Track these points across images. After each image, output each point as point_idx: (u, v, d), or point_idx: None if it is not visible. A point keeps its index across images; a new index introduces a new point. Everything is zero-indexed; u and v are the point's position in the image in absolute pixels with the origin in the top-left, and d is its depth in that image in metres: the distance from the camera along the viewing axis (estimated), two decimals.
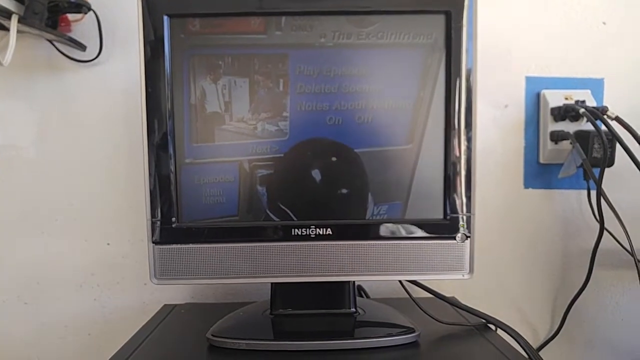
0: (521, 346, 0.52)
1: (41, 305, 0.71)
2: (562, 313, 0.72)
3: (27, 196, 0.70)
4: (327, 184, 0.51)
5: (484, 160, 0.74)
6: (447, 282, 0.68)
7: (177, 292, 0.72)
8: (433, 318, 0.54)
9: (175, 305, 0.65)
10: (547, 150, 0.71)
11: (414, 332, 0.49)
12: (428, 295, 0.58)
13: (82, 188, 0.71)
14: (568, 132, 0.68)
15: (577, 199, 0.74)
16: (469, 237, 0.51)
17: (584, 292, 0.70)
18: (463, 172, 0.50)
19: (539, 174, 0.74)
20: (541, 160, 0.73)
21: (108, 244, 0.71)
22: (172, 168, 0.50)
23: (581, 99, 0.69)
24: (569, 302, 0.71)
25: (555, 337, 0.72)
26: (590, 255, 0.69)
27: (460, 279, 0.51)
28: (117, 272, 0.72)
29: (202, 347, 0.49)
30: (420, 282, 0.58)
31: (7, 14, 0.57)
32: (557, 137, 0.70)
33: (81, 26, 0.69)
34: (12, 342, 0.71)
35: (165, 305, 0.66)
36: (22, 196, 0.70)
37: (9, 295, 0.70)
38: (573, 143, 0.66)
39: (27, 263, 0.70)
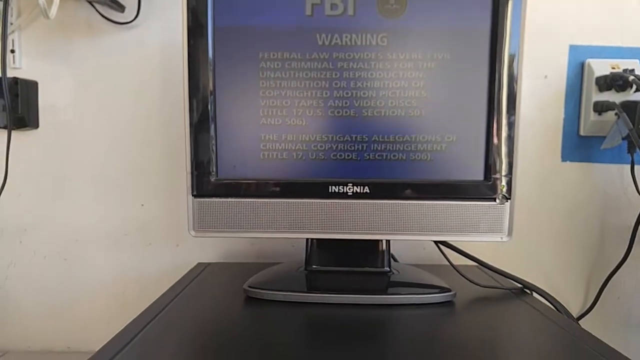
0: (558, 310, 0.51)
1: (79, 262, 0.73)
2: (597, 289, 0.71)
3: (65, 157, 0.72)
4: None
5: (520, 132, 0.72)
6: (478, 252, 0.67)
7: (209, 253, 0.73)
8: (469, 280, 0.53)
9: (209, 263, 0.66)
10: (589, 121, 0.69)
11: (449, 291, 0.49)
12: (462, 263, 0.58)
13: (118, 150, 0.72)
14: (614, 102, 0.66)
15: (618, 173, 0.71)
16: (509, 199, 0.50)
17: (621, 268, 0.68)
18: (505, 133, 0.49)
19: (578, 146, 0.72)
20: (581, 133, 0.71)
21: (142, 205, 0.73)
22: (213, 123, 0.50)
23: (629, 68, 0.67)
24: (605, 278, 0.70)
25: (588, 312, 0.71)
26: (630, 232, 0.67)
27: (498, 243, 0.50)
28: (150, 233, 0.73)
29: (239, 299, 0.50)
30: (455, 246, 0.58)
31: None
32: (601, 107, 0.67)
33: None
34: (52, 296, 0.73)
35: (199, 263, 0.67)
36: (61, 157, 0.72)
37: (49, 252, 0.73)
38: (619, 113, 0.64)
39: (66, 222, 0.73)
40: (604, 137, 0.68)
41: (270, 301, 0.48)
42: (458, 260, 0.58)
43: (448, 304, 0.49)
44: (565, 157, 0.72)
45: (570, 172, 0.72)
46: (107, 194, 0.73)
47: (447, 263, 0.55)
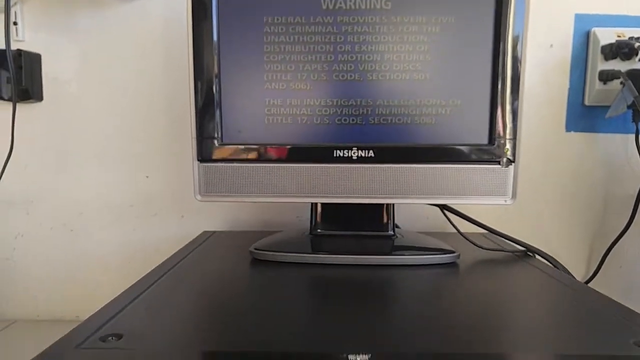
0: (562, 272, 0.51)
1: (85, 233, 0.74)
2: (599, 258, 0.71)
3: (70, 130, 0.72)
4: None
5: (524, 102, 0.72)
6: (482, 221, 0.67)
7: (215, 224, 0.74)
8: (472, 243, 0.54)
9: (214, 232, 0.67)
10: (594, 90, 0.69)
11: (453, 252, 0.50)
12: (465, 231, 0.58)
13: (123, 122, 0.72)
14: (619, 71, 0.65)
15: (622, 143, 0.71)
16: (513, 162, 0.50)
17: (624, 237, 0.69)
18: (509, 97, 0.49)
19: (583, 116, 0.72)
20: (586, 102, 0.71)
21: (147, 176, 0.73)
22: (217, 89, 0.50)
23: (635, 36, 0.66)
24: (607, 246, 0.70)
25: (591, 280, 0.71)
26: (633, 201, 0.67)
27: (501, 212, 0.51)
28: (155, 204, 0.74)
29: (245, 261, 0.51)
30: (459, 211, 0.58)
31: None
32: (606, 76, 0.67)
33: None
34: (59, 266, 0.74)
35: (205, 231, 0.68)
36: (65, 130, 0.72)
37: (55, 223, 0.74)
38: (624, 81, 0.64)
39: (71, 194, 0.73)
40: (609, 107, 0.68)
41: (276, 263, 0.49)
42: (462, 228, 0.58)
43: (452, 265, 0.49)
44: (569, 127, 0.72)
45: (575, 142, 0.72)
46: (112, 166, 0.73)
47: (451, 231, 0.55)
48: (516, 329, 0.33)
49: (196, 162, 0.51)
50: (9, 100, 0.68)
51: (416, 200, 0.51)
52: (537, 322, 0.34)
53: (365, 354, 0.27)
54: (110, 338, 0.30)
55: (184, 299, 0.38)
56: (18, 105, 0.70)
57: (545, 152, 0.72)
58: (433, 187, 0.50)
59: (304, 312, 0.35)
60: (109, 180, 0.73)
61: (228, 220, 0.74)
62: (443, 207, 0.56)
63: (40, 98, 0.72)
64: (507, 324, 0.34)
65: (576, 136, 0.72)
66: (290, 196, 0.51)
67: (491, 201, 0.51)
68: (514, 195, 0.51)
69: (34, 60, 0.71)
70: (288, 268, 0.48)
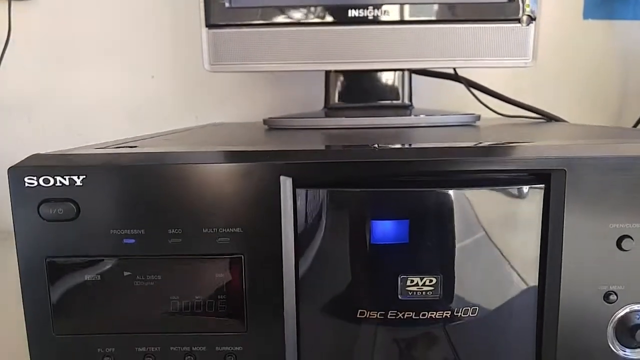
0: None
1: (92, 136, 0.73)
2: None
3: (73, 28, 0.70)
4: None
5: None
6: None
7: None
8: (491, 110, 0.53)
9: (223, 122, 0.65)
10: None
11: (472, 114, 0.49)
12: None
13: (127, 20, 0.69)
14: None
15: None
16: (534, 19, 0.48)
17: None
18: None
19: (602, 2, 0.69)
20: None
21: (152, 76, 0.71)
22: None
23: None
24: None
25: None
26: None
27: (522, 68, 0.49)
28: (166, 105, 0.72)
29: (259, 129, 0.49)
30: (477, 82, 0.57)
31: None
32: None
33: None
34: None
35: (215, 122, 0.66)
36: (69, 28, 0.70)
37: (60, 126, 0.72)
38: None
39: (75, 95, 0.72)
40: None
41: (291, 129, 0.48)
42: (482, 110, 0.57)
43: (471, 127, 0.48)
44: (587, 14, 0.69)
45: (592, 30, 0.69)
46: (117, 66, 0.71)
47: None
48: None
49: (204, 29, 0.49)
50: None
51: (434, 63, 0.49)
52: None
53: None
54: None
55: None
56: (16, 3, 0.67)
57: (560, 41, 0.69)
58: (451, 49, 0.48)
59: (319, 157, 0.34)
60: (115, 80, 0.71)
61: (242, 118, 0.72)
62: (467, 82, 0.55)
63: None
64: None
65: (594, 24, 0.69)
66: (304, 63, 0.49)
67: (511, 63, 0.49)
68: (534, 57, 0.49)
69: None
70: (303, 132, 0.46)
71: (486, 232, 0.27)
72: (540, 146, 0.28)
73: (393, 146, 0.28)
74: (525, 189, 0.27)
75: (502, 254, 0.27)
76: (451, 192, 0.26)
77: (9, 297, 0.38)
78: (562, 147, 0.26)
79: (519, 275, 0.27)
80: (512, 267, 0.27)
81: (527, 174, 0.27)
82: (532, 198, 0.27)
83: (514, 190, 0.27)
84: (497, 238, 0.27)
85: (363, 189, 0.26)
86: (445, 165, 0.26)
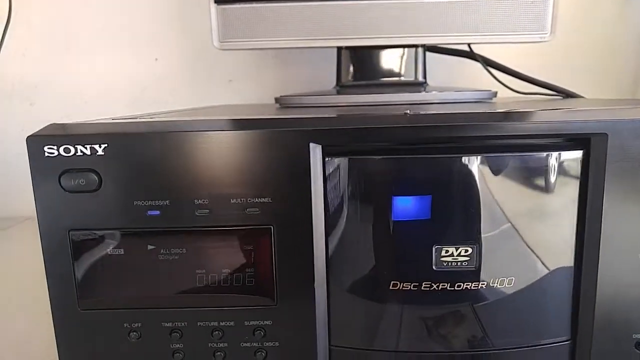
0: None
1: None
2: None
3: (73, 11, 0.68)
4: None
5: None
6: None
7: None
8: (508, 87, 0.52)
9: (232, 104, 0.64)
10: None
11: (489, 90, 0.48)
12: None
13: (130, 1, 0.68)
14: None
15: None
16: None
17: None
18: None
19: None
20: None
21: (156, 59, 0.70)
22: None
23: None
24: None
25: None
26: None
27: (540, 43, 0.48)
28: (170, 90, 0.70)
29: (271, 108, 0.48)
30: (493, 60, 0.56)
31: None
32: None
33: None
34: None
35: (225, 105, 0.65)
36: (68, 11, 0.68)
37: (62, 111, 0.71)
38: None
39: (77, 80, 0.70)
40: None
41: (304, 107, 0.47)
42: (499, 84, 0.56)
43: (488, 103, 0.47)
44: None
45: (607, 4, 0.68)
46: (120, 49, 0.69)
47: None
48: None
49: (213, 5, 0.48)
50: None
51: (448, 39, 0.48)
52: None
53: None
54: None
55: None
56: None
57: (577, 14, 0.68)
58: (464, 24, 0.47)
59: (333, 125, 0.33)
60: (117, 65, 0.69)
61: (253, 100, 0.71)
62: (483, 60, 0.54)
63: None
64: None
65: None
66: (315, 39, 0.48)
67: (528, 38, 0.48)
68: (552, 31, 0.48)
69: None
70: (316, 108, 0.45)
71: (521, 202, 0.26)
72: (577, 110, 0.27)
73: (425, 112, 0.27)
74: (563, 154, 0.26)
75: (537, 225, 0.26)
76: (487, 158, 0.25)
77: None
78: (602, 111, 0.26)
79: (555, 247, 0.27)
80: (547, 238, 0.27)
81: (564, 139, 0.26)
82: (570, 165, 0.26)
83: (551, 157, 0.26)
84: (533, 209, 0.26)
85: (397, 156, 0.25)
86: (480, 129, 0.25)
